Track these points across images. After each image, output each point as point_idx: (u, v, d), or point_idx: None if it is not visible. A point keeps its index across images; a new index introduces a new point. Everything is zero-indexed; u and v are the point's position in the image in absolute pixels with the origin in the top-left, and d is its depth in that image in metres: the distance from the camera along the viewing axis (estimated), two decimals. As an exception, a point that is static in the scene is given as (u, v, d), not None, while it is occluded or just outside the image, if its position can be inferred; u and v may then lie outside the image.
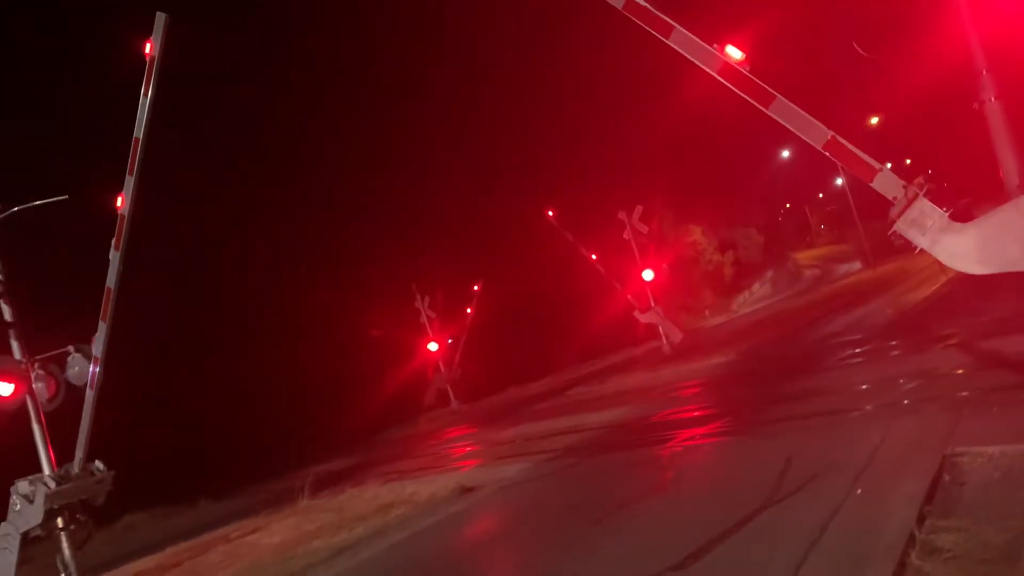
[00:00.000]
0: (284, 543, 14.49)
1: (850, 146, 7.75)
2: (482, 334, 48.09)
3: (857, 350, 18.25)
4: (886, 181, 7.66)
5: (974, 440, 8.27)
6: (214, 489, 32.57)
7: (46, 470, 12.13)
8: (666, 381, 25.02)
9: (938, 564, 5.68)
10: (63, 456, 12.43)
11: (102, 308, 12.39)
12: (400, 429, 43.79)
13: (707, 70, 8.16)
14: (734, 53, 8.07)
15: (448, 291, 47.28)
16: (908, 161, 52.52)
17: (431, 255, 51.47)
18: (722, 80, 8.10)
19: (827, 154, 7.83)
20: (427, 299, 45.05)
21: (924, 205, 7.46)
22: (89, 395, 12.55)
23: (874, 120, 50.43)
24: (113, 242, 12.22)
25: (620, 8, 8.46)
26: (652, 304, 34.26)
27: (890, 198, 7.62)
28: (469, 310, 47.74)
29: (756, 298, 65.31)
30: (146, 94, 11.51)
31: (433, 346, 44.86)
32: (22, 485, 12.11)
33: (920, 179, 7.59)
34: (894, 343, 17.41)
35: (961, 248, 7.40)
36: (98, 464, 12.62)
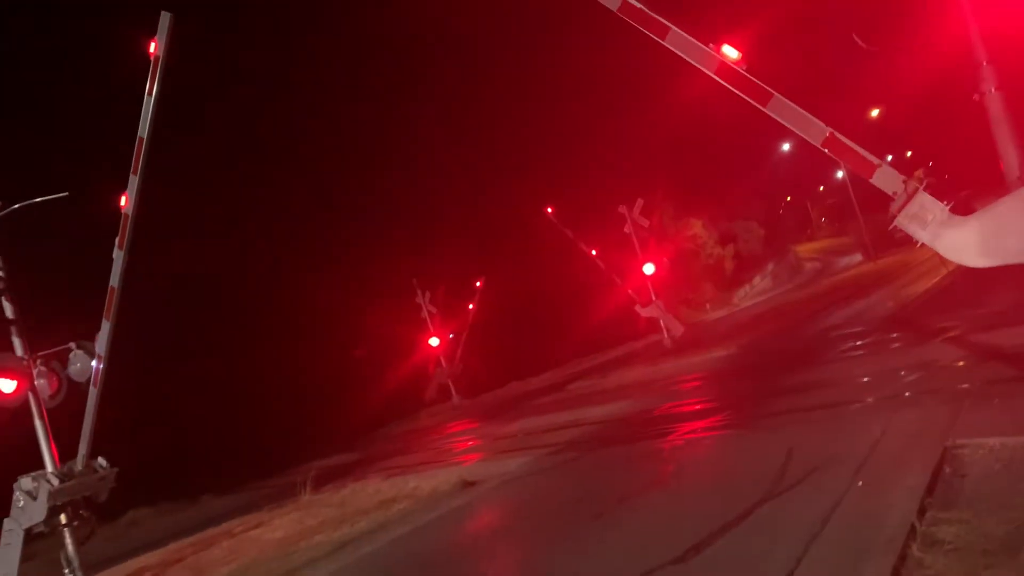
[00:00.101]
0: (286, 538, 14.53)
1: (849, 142, 7.73)
2: (483, 329, 48.17)
3: (858, 343, 18.25)
4: (886, 176, 7.64)
5: (975, 432, 8.27)
6: (217, 484, 32.68)
7: (49, 466, 12.15)
8: (667, 375, 25.04)
9: (939, 556, 5.69)
10: (66, 452, 12.45)
11: (106, 307, 12.40)
12: (401, 424, 43.86)
13: (704, 70, 8.15)
14: (730, 52, 8.06)
15: (449, 287, 47.37)
16: (909, 153, 52.53)
17: (432, 251, 51.59)
18: (719, 80, 8.09)
19: (826, 151, 7.82)
20: (428, 294, 45.09)
21: (924, 199, 7.44)
22: (92, 392, 12.56)
23: (875, 112, 50.40)
24: (117, 241, 12.22)
25: (615, 10, 8.45)
26: (653, 298, 34.26)
27: (890, 193, 7.61)
28: (471, 306, 47.79)
29: (757, 291, 65.35)
30: (150, 94, 11.49)
31: (434, 341, 44.90)
32: (25, 481, 12.14)
33: (920, 173, 7.58)
34: (895, 335, 17.41)
35: (962, 242, 7.39)
36: (101, 461, 12.65)
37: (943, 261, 7.96)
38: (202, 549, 16.40)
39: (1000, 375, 10.66)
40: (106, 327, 12.41)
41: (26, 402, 12.19)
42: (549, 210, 38.17)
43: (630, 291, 35.52)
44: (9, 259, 12.59)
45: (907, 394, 11.45)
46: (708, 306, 59.96)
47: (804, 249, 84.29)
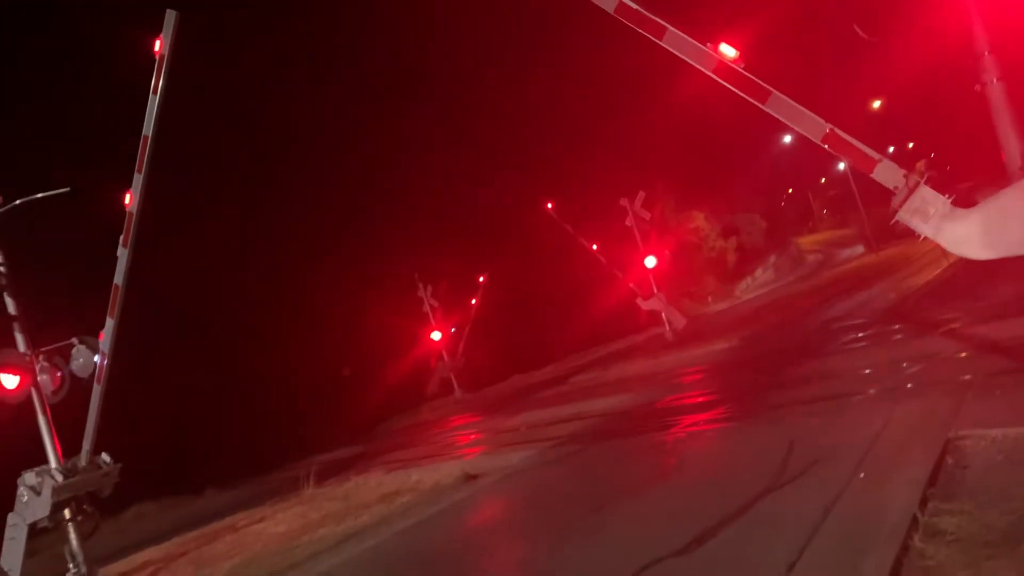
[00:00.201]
0: (290, 532, 14.57)
1: (849, 138, 7.72)
2: (485, 323, 48.19)
3: (860, 334, 18.25)
4: (886, 171, 7.63)
5: (977, 423, 8.27)
6: (220, 479, 32.75)
7: (52, 461, 12.17)
8: (669, 368, 25.05)
9: (941, 547, 5.69)
10: (69, 446, 12.47)
11: (110, 304, 12.42)
12: (404, 418, 43.94)
13: (702, 69, 8.14)
14: (728, 51, 8.05)
15: (451, 281, 47.34)
16: (911, 144, 52.40)
17: (434, 246, 51.53)
18: (717, 79, 8.08)
19: (826, 147, 7.81)
20: (430, 288, 45.09)
21: (926, 193, 7.43)
22: (96, 389, 12.58)
23: (876, 104, 50.26)
24: (121, 239, 12.23)
25: (611, 12, 8.44)
26: (655, 291, 34.25)
27: (891, 188, 7.60)
28: (474, 301, 47.78)
29: (759, 284, 65.29)
30: (155, 92, 11.49)
31: (436, 335, 44.94)
32: (29, 476, 12.16)
33: (921, 164, 7.57)
34: (897, 327, 17.41)
35: (965, 234, 7.38)
36: (104, 457, 12.67)
37: (945, 253, 7.95)
38: (205, 543, 16.44)
39: (1002, 366, 10.66)
40: (110, 324, 12.43)
41: (29, 398, 12.20)
42: (549, 206, 38.18)
43: (631, 284, 35.52)
44: (11, 255, 12.59)
45: (909, 386, 11.45)
46: (710, 299, 59.90)
47: (806, 241, 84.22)
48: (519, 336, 50.46)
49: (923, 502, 6.60)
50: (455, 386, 45.16)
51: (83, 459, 12.45)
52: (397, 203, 59.66)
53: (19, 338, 12.29)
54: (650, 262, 33.94)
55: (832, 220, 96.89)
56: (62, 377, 12.50)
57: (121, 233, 12.19)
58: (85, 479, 12.28)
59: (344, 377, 52.20)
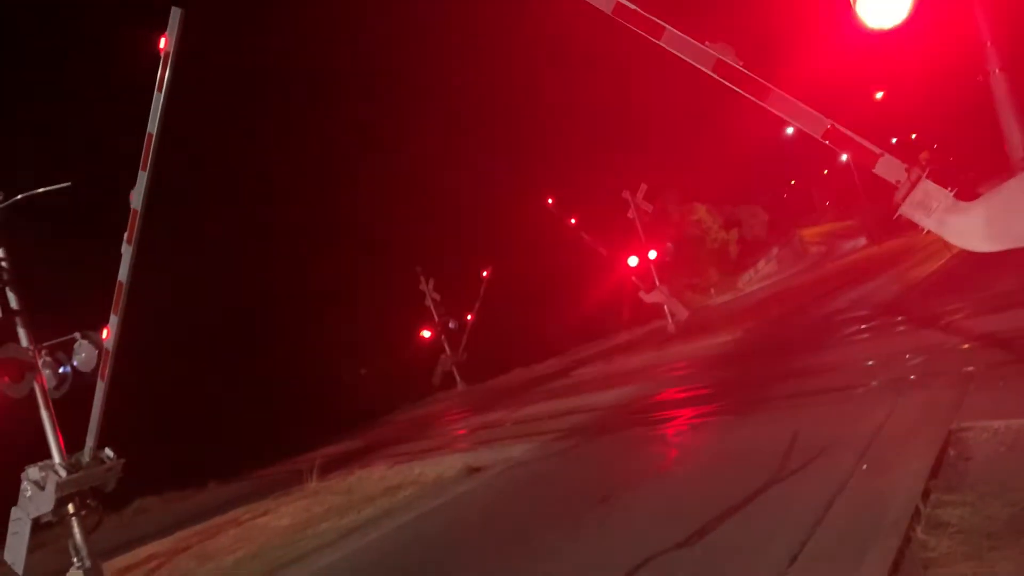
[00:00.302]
0: (293, 525, 14.60)
1: (850, 133, 7.70)
2: (488, 316, 48.20)
3: (863, 326, 18.23)
4: (888, 166, 7.61)
5: (980, 415, 8.26)
6: (223, 472, 32.81)
7: (55, 456, 12.20)
8: (671, 360, 25.05)
9: (943, 538, 5.69)
10: (72, 441, 12.50)
11: (114, 301, 12.44)
12: (407, 411, 43.99)
13: (701, 68, 8.12)
14: (727, 49, 8.04)
15: (453, 274, 47.38)
16: (914, 136, 52.26)
17: (436, 240, 51.59)
18: (717, 77, 8.06)
19: (827, 143, 7.79)
20: (432, 282, 45.11)
21: (928, 186, 7.41)
22: (100, 385, 12.61)
23: (879, 95, 50.10)
24: (125, 236, 12.24)
25: (609, 13, 8.42)
26: (657, 283, 34.22)
27: (893, 182, 7.58)
28: (477, 301, 47.75)
29: (762, 275, 65.24)
30: (160, 90, 11.48)
31: (426, 333, 45.16)
32: (32, 471, 12.19)
33: (923, 156, 7.54)
34: (900, 319, 17.38)
35: (968, 227, 7.36)
36: (108, 452, 12.70)
37: (947, 244, 7.91)
38: (209, 537, 16.49)
39: (1005, 358, 10.63)
40: (114, 321, 12.46)
41: (32, 393, 12.22)
42: (550, 201, 38.20)
43: (634, 278, 35.49)
44: (12, 250, 12.59)
45: (912, 377, 11.44)
46: (713, 291, 59.88)
47: (809, 233, 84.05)
48: (521, 330, 50.49)
49: (925, 494, 6.59)
50: (457, 379, 45.20)
51: (87, 454, 12.48)
52: (399, 198, 59.62)
53: (21, 333, 12.30)
54: (652, 255, 33.89)
55: (835, 211, 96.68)
56: (64, 372, 12.52)
57: (124, 230, 12.21)
58: (88, 474, 12.32)
59: (362, 375, 52.36)
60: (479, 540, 10.26)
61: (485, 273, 48.41)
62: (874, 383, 11.81)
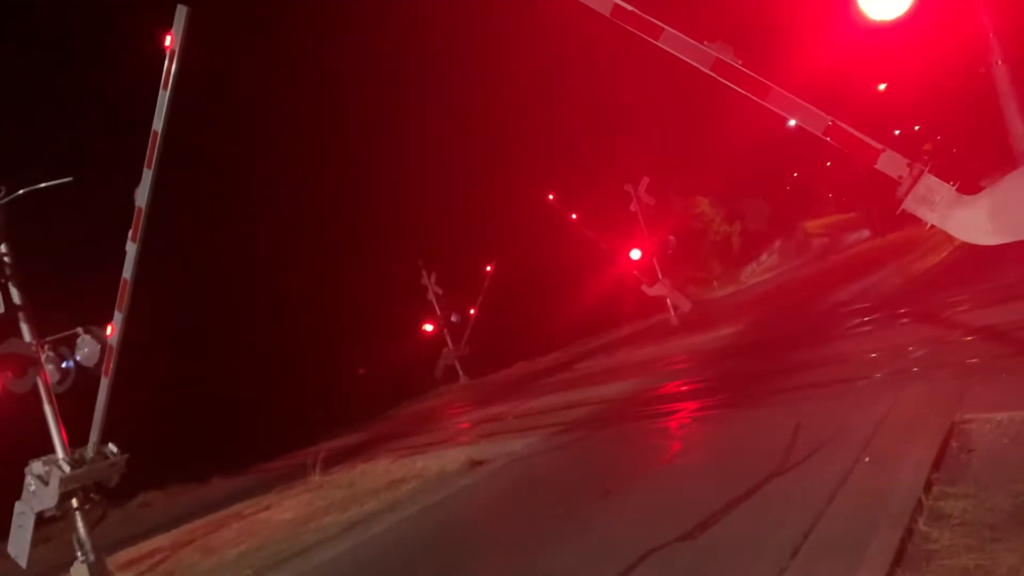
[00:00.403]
0: (296, 519, 14.64)
1: (851, 130, 7.68)
2: (490, 310, 48.20)
3: (866, 319, 18.21)
4: (890, 161, 7.59)
5: (983, 407, 8.25)
6: (226, 466, 32.86)
7: (59, 451, 12.22)
8: (674, 353, 25.05)
9: (945, 530, 5.68)
10: (75, 434, 12.53)
11: (118, 298, 12.46)
12: (409, 405, 44.02)
13: (700, 68, 8.10)
14: (725, 49, 8.01)
15: (455, 268, 47.38)
16: (917, 127, 52.08)
17: (438, 233, 51.58)
18: (716, 76, 8.04)
19: (828, 139, 7.77)
20: (434, 276, 45.10)
21: (930, 181, 7.39)
22: (104, 382, 12.64)
23: (882, 87, 49.93)
24: (130, 234, 12.25)
25: (607, 15, 8.40)
26: (659, 276, 34.18)
27: (896, 178, 7.56)
28: (480, 295, 47.74)
29: (764, 268, 65.09)
30: (165, 87, 11.48)
31: (428, 327, 45.26)
32: (36, 466, 12.22)
33: (926, 148, 7.53)
34: (903, 311, 17.36)
35: (972, 221, 7.34)
36: (111, 447, 12.73)
37: (950, 237, 7.90)
38: (212, 531, 16.53)
39: (1008, 350, 10.62)
40: (119, 318, 12.47)
41: (35, 387, 12.24)
42: (551, 196, 38.21)
43: (635, 271, 35.44)
44: (15, 245, 12.60)
45: (915, 369, 11.43)
46: (715, 284, 59.79)
47: (811, 225, 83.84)
48: (523, 323, 50.49)
49: (928, 486, 6.59)
50: (460, 373, 45.22)
51: (90, 450, 12.50)
52: (401, 192, 59.62)
53: (24, 328, 12.32)
54: (653, 248, 33.85)
55: (838, 204, 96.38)
56: (67, 367, 12.55)
57: (128, 226, 12.22)
58: (92, 470, 12.34)
59: (360, 376, 52.47)
60: (482, 533, 10.28)
61: (489, 268, 48.40)
62: (877, 375, 11.81)
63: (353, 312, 51.60)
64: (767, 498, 7.75)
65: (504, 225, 53.95)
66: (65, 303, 14.14)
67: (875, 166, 7.63)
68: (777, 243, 71.85)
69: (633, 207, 34.09)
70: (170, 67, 11.32)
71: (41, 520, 12.59)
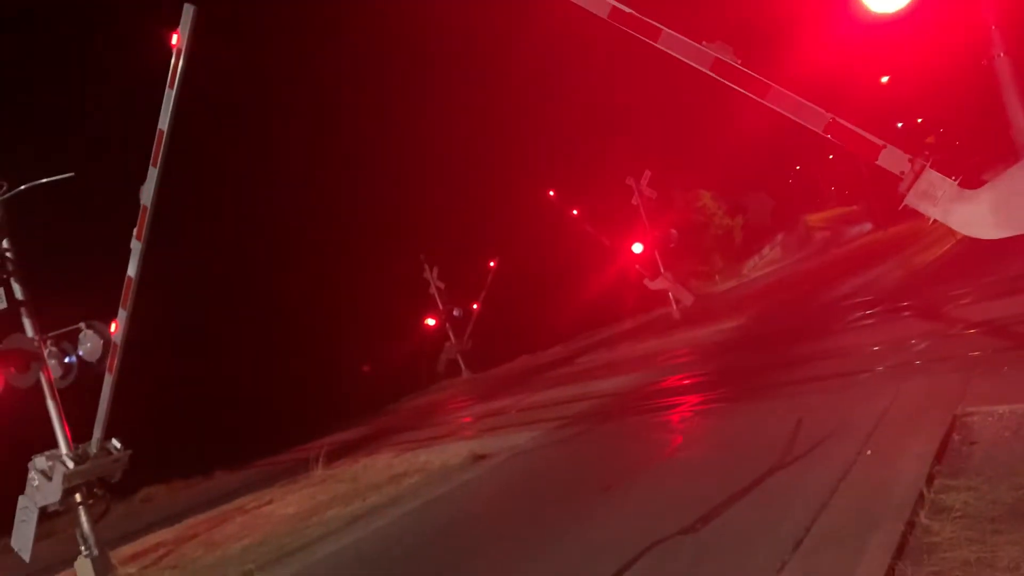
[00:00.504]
0: (299, 513, 14.65)
1: (851, 126, 7.68)
2: (492, 304, 48.19)
3: (868, 312, 18.20)
4: (891, 157, 7.59)
5: (985, 400, 8.25)
6: (229, 461, 32.90)
7: (62, 446, 12.26)
8: (676, 347, 25.03)
9: (947, 523, 5.69)
10: (78, 429, 12.56)
11: (123, 296, 12.49)
12: (412, 399, 44.05)
13: (699, 68, 8.10)
14: (724, 49, 8.00)
15: (457, 262, 47.37)
16: (920, 120, 51.93)
17: (440, 228, 51.56)
18: (715, 76, 8.03)
19: (828, 137, 7.77)
20: (435, 270, 45.08)
21: (932, 176, 7.39)
22: (108, 379, 12.68)
23: (884, 79, 49.77)
24: (135, 232, 12.28)
25: (605, 17, 8.38)
26: (661, 270, 34.15)
27: (897, 173, 7.56)
28: (483, 290, 47.70)
29: (766, 262, 65.02)
30: (172, 86, 11.48)
31: (430, 321, 45.26)
32: (39, 461, 12.26)
33: (929, 140, 7.54)
34: (905, 304, 17.35)
35: (975, 216, 7.35)
36: (115, 443, 12.78)
37: (952, 230, 7.89)
38: (216, 525, 16.56)
39: (1010, 343, 10.63)
40: (123, 316, 12.52)
41: (37, 382, 12.27)
42: (551, 193, 38.21)
43: (637, 265, 35.40)
44: (17, 241, 12.62)
45: (917, 363, 11.43)
46: (717, 277, 59.73)
47: (814, 218, 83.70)
48: (526, 317, 50.47)
49: (930, 479, 6.60)
50: (462, 366, 45.23)
51: (94, 446, 12.56)
52: (403, 186, 59.56)
53: (27, 323, 12.35)
54: (655, 241, 33.83)
55: (840, 197, 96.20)
56: (70, 362, 12.58)
57: (129, 222, 12.25)
58: (95, 465, 12.39)
59: (364, 372, 52.51)
60: (484, 527, 10.30)
61: (492, 264, 48.38)
62: (879, 369, 11.81)
63: (355, 306, 51.60)
64: (769, 491, 7.76)
65: (506, 219, 53.89)
66: (67, 299, 14.16)
67: (876, 162, 7.63)
68: (779, 237, 71.72)
69: (635, 201, 34.03)
70: (176, 66, 11.33)
71: (44, 515, 12.63)
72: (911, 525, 5.83)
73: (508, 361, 44.93)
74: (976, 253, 20.03)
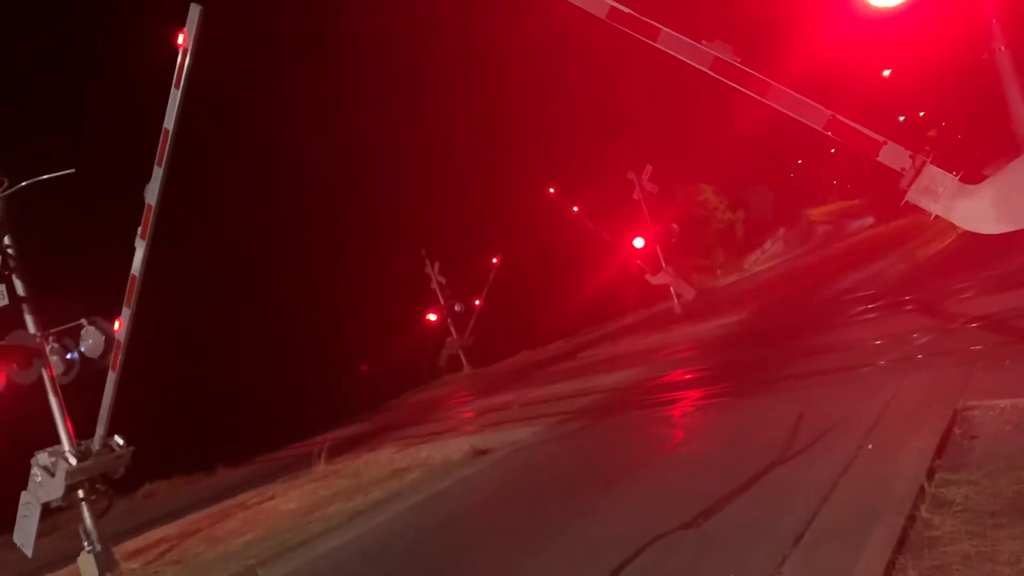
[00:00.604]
0: (301, 508, 14.68)
1: (851, 123, 7.67)
2: (494, 299, 48.18)
3: (870, 306, 18.19)
4: (892, 153, 7.58)
5: (986, 393, 8.24)
6: (231, 456, 32.92)
7: (65, 443, 12.28)
8: (677, 342, 25.03)
9: (947, 517, 5.69)
10: (80, 424, 12.58)
11: (127, 295, 12.51)
12: (413, 394, 44.07)
13: (699, 67, 8.09)
14: (723, 48, 7.99)
15: (458, 257, 47.36)
16: (922, 114, 51.86)
17: (440, 223, 51.55)
18: (715, 75, 8.02)
19: (829, 134, 7.77)
20: (437, 265, 45.06)
21: (933, 172, 7.38)
22: (111, 377, 12.70)
23: (886, 72, 49.68)
24: (139, 231, 12.30)
25: (604, 17, 8.37)
26: (663, 264, 34.11)
27: (898, 170, 7.55)
28: (486, 287, 47.68)
29: (768, 256, 64.97)
30: (177, 86, 11.48)
31: (431, 316, 45.29)
32: (42, 456, 12.28)
33: (931, 133, 7.54)
34: (907, 298, 17.34)
35: (976, 211, 7.34)
36: (117, 439, 12.80)
37: (954, 224, 7.88)
38: (218, 521, 16.59)
39: (1012, 337, 10.62)
40: (127, 314, 12.54)
41: (40, 379, 12.29)
42: (551, 191, 38.22)
43: (638, 261, 35.36)
44: (18, 237, 12.63)
45: (919, 357, 11.43)
46: (719, 272, 59.69)
47: (815, 212, 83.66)
48: (527, 312, 50.45)
49: (930, 473, 6.60)
50: (464, 362, 45.24)
51: (96, 443, 12.58)
52: (404, 181, 59.53)
53: (28, 319, 12.36)
54: (656, 236, 33.80)
55: (842, 191, 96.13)
56: (72, 358, 12.60)
57: (129, 219, 12.27)
58: (98, 462, 12.42)
59: (363, 371, 52.53)
60: (486, 522, 10.31)
61: (495, 260, 48.35)
62: (881, 363, 11.81)
63: (356, 302, 51.59)
64: (770, 486, 7.76)
65: (507, 214, 53.84)
66: (69, 295, 14.18)
67: (877, 159, 7.62)
68: (781, 231, 71.71)
69: (636, 195, 33.98)
70: (183, 65, 11.33)
71: (47, 510, 12.66)
72: (912, 519, 5.83)
73: (509, 356, 44.92)
74: (978, 247, 20.01)
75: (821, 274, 31.84)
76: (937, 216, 7.63)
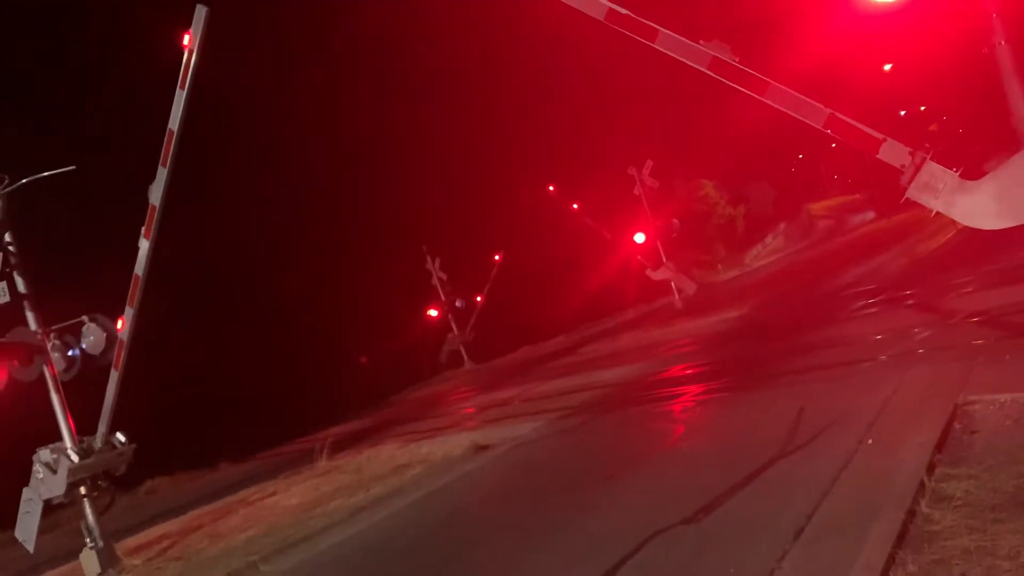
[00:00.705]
0: (303, 504, 14.69)
1: (851, 121, 7.67)
2: (495, 295, 48.20)
3: (871, 301, 18.19)
4: (891, 150, 7.59)
5: (987, 388, 8.24)
6: (233, 452, 32.97)
7: (66, 440, 12.31)
8: (678, 337, 25.04)
9: (948, 512, 5.70)
10: (81, 421, 12.61)
11: (130, 294, 12.53)
12: (414, 390, 44.11)
13: (698, 67, 8.08)
14: (722, 48, 7.99)
15: (459, 253, 47.37)
16: (923, 108, 51.77)
17: (442, 219, 51.55)
18: (714, 75, 8.02)
19: (828, 132, 7.77)
20: (438, 261, 45.07)
21: (933, 168, 7.39)
22: (114, 375, 12.73)
23: (887, 67, 49.58)
24: (143, 231, 12.31)
25: (602, 19, 8.37)
26: (664, 260, 34.09)
27: (898, 167, 7.55)
28: (488, 283, 47.68)
29: (769, 251, 64.96)
30: (182, 87, 11.48)
31: (432, 312, 45.24)
32: (44, 453, 12.31)
33: (932, 128, 7.54)
34: (908, 293, 17.34)
35: (977, 206, 7.35)
36: (119, 437, 12.83)
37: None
38: (220, 517, 16.61)
39: (1013, 331, 10.61)
40: (130, 313, 12.56)
41: (41, 376, 12.32)
42: (551, 188, 38.23)
43: (640, 255, 35.34)
44: (20, 234, 12.65)
45: (920, 351, 11.43)
46: (720, 267, 59.68)
47: (816, 207, 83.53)
48: (528, 308, 50.46)
49: (931, 467, 6.61)
50: (465, 357, 45.26)
51: (98, 440, 12.61)
52: (405, 178, 59.54)
53: (30, 317, 12.39)
54: (658, 231, 33.79)
55: (843, 185, 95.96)
56: (73, 355, 12.63)
57: (134, 218, 12.29)
58: (100, 459, 12.45)
59: (363, 364, 52.57)
60: (487, 517, 10.33)
61: (497, 257, 48.35)
62: (881, 357, 11.81)
63: (358, 298, 51.62)
64: (770, 481, 7.77)
65: (508, 211, 53.83)
66: (70, 293, 14.20)
67: (877, 156, 7.63)
68: (782, 225, 71.62)
69: (637, 190, 33.95)
70: (188, 66, 11.33)
71: (49, 507, 12.69)
72: (912, 514, 5.84)
73: (511, 352, 44.95)
74: (979, 242, 19.99)
75: (822, 269, 31.83)
76: (938, 212, 7.63)
